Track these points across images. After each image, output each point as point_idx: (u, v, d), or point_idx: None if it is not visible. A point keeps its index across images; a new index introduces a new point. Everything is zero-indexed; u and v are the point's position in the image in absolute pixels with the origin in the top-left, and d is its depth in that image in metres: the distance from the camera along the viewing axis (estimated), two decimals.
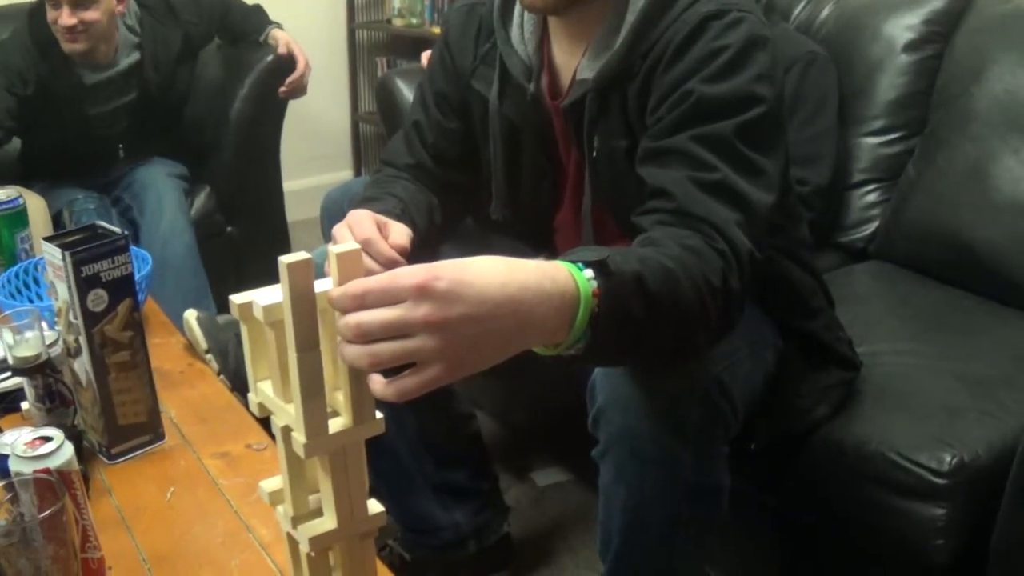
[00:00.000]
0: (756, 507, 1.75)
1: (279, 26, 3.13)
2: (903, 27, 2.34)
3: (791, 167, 2.20)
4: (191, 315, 1.82)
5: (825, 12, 2.52)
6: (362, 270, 0.90)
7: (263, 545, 1.25)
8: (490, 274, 0.94)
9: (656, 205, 1.28)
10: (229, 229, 3.12)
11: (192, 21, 2.99)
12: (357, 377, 0.96)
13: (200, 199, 3.04)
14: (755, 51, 1.31)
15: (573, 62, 1.50)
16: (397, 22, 4.10)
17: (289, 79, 3.05)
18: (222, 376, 1.76)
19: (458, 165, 1.68)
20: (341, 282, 0.89)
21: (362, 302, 0.88)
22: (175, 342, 1.83)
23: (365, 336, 0.89)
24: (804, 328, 1.58)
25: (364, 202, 1.54)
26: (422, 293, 0.89)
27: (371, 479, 1.81)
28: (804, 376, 1.60)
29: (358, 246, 0.91)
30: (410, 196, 1.60)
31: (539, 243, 1.67)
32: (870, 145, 2.36)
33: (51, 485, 1.04)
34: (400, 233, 1.42)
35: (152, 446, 1.47)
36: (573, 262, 1.03)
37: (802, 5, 2.58)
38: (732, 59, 1.30)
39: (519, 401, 2.50)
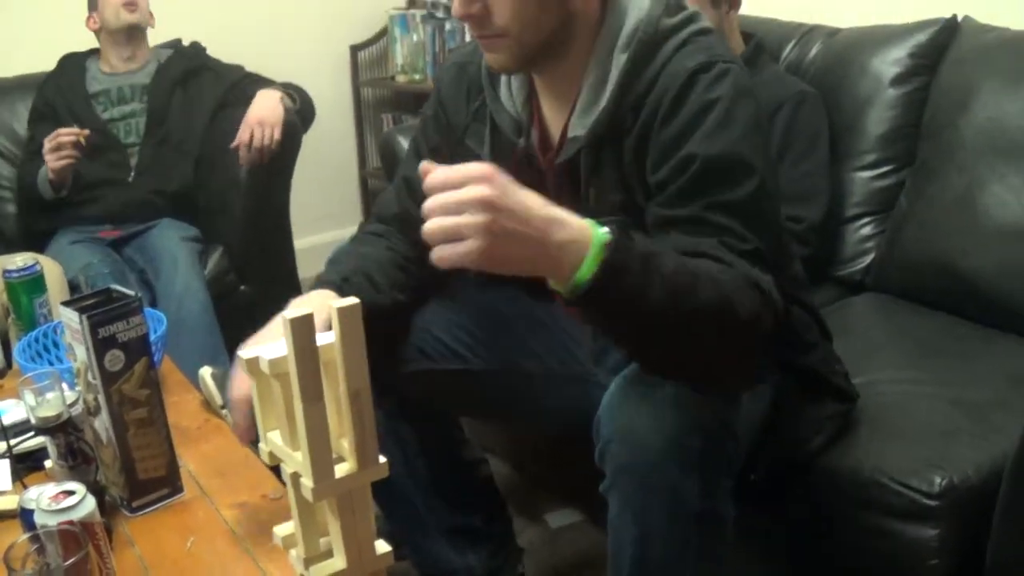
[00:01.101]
0: (759, 534, 1.79)
1: (277, 87, 3.19)
2: (890, 62, 2.40)
3: (786, 205, 2.27)
4: (206, 372, 1.87)
5: (814, 51, 2.58)
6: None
7: None
8: (534, 195, 1.19)
9: None
10: (243, 288, 3.18)
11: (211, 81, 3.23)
12: (360, 424, 1.02)
13: (213, 259, 3.10)
14: (744, 101, 1.39)
15: (562, 118, 1.55)
16: (400, 78, 4.18)
17: (236, 141, 3.05)
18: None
19: None
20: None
21: (444, 183, 1.15)
22: (192, 399, 1.88)
23: (439, 210, 1.14)
24: (801, 363, 1.63)
25: (329, 264, 1.59)
26: (484, 178, 1.15)
27: (386, 525, 1.87)
28: (802, 409, 1.64)
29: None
30: (375, 258, 1.65)
31: (536, 291, 1.71)
32: (863, 179, 2.41)
33: (75, 536, 1.10)
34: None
35: (171, 499, 1.52)
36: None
37: (791, 46, 2.65)
38: (725, 112, 1.37)
39: (530, 444, 2.54)
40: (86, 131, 2.89)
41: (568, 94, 1.52)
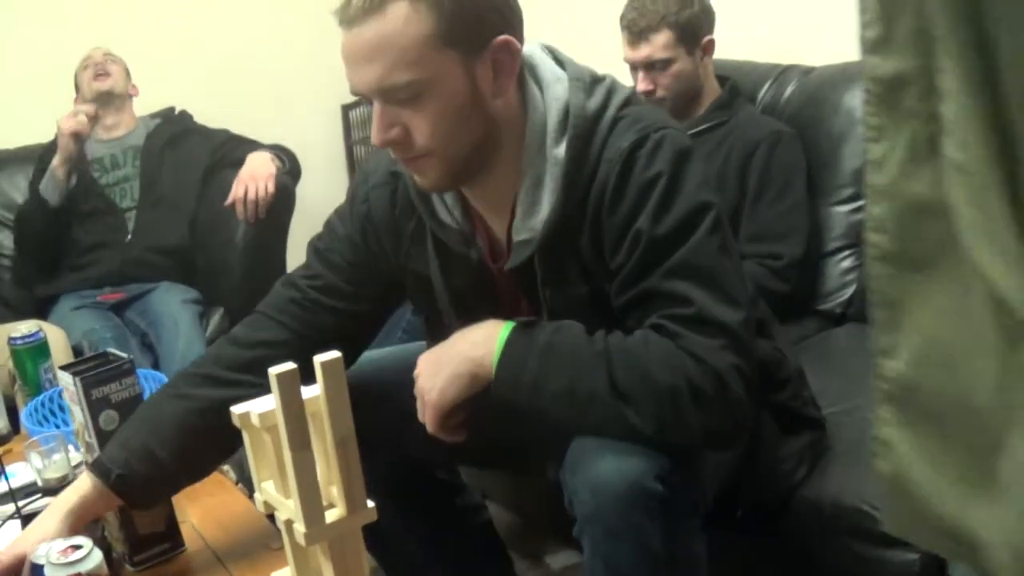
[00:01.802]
0: (745, 565, 1.83)
1: (265, 149, 3.30)
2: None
3: (765, 243, 2.32)
4: None
5: (788, 91, 2.65)
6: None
7: None
8: (436, 358, 1.46)
9: None
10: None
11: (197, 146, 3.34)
12: (348, 470, 1.08)
13: (214, 320, 3.17)
14: (686, 165, 1.39)
15: (503, 222, 1.52)
16: None
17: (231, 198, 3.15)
18: (240, 485, 1.86)
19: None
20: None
21: None
22: None
23: None
24: (774, 400, 1.65)
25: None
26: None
27: None
28: (779, 443, 1.68)
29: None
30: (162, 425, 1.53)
31: None
32: (841, 214, 2.46)
33: None
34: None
35: (172, 553, 1.58)
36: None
37: (767, 86, 2.71)
38: (669, 184, 1.38)
39: (528, 488, 2.58)
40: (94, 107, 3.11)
41: (505, 199, 1.50)
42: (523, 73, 1.46)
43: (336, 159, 4.40)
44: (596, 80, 1.49)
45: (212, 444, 1.53)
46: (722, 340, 1.34)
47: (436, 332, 1.59)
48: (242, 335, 1.62)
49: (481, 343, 1.42)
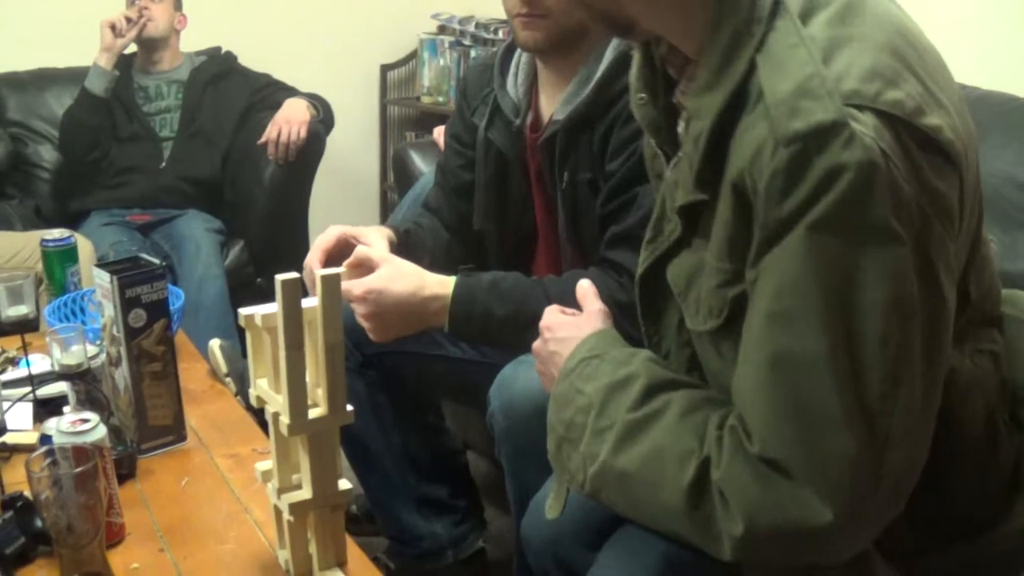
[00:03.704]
0: None
1: (302, 96, 3.49)
2: None
3: None
4: (215, 343, 2.09)
5: None
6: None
7: (257, 523, 1.51)
8: (403, 288, 1.70)
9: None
10: (259, 280, 3.41)
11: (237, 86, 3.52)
12: (333, 375, 1.24)
13: (234, 252, 3.35)
14: None
15: (553, 104, 1.82)
16: (425, 100, 4.41)
17: (264, 137, 3.37)
18: (238, 396, 2.02)
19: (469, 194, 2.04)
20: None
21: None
22: (200, 368, 2.10)
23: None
24: None
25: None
26: (361, 299, 1.69)
27: (366, 503, 2.08)
28: None
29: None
30: (428, 221, 2.06)
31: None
32: None
33: (86, 451, 1.31)
34: (372, 238, 1.84)
35: (175, 446, 1.74)
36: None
37: None
38: None
39: None
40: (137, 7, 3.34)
41: (562, 85, 1.80)
42: None
43: (370, 117, 4.56)
44: None
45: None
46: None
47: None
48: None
49: (437, 297, 1.73)
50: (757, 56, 1.03)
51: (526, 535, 1.52)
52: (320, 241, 1.83)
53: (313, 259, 1.78)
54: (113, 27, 3.27)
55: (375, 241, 1.82)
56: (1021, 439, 1.20)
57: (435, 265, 1.81)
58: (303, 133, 3.31)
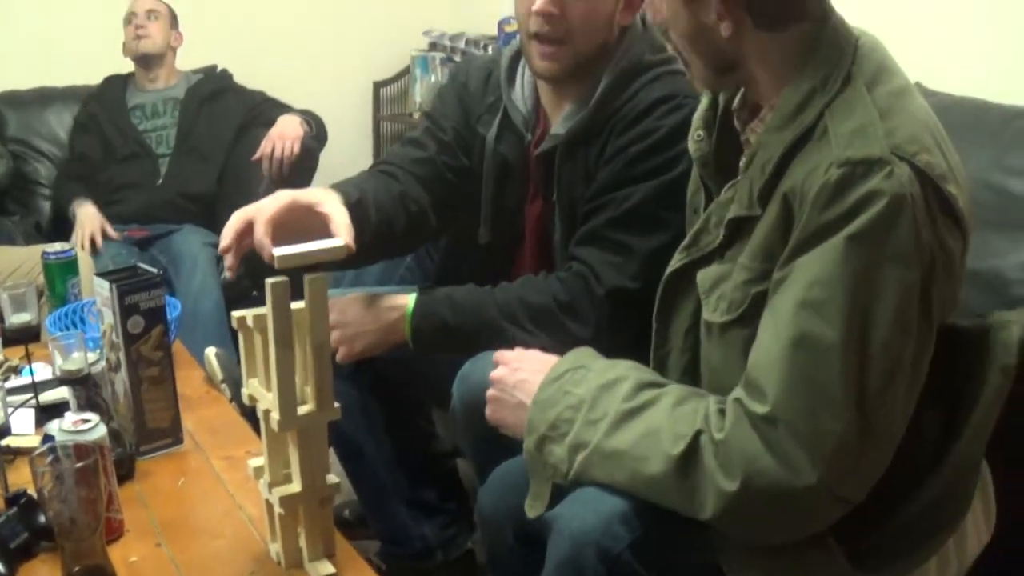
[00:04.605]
0: None
1: (296, 112, 3.56)
2: None
3: None
4: (211, 351, 2.16)
5: None
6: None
7: (250, 519, 1.58)
8: (360, 312, 1.84)
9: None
10: (255, 294, 3.47)
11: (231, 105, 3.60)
12: (321, 372, 1.31)
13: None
14: (684, 133, 1.61)
15: (553, 119, 1.91)
16: (417, 116, 4.46)
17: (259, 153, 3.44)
18: (233, 402, 2.08)
19: (456, 175, 2.01)
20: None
21: None
22: (197, 375, 2.17)
23: None
24: None
25: (343, 183, 1.88)
26: (333, 325, 1.79)
27: (358, 507, 2.14)
28: None
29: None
30: (375, 187, 1.89)
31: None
32: None
33: (87, 448, 1.38)
34: (330, 208, 1.65)
35: (172, 448, 1.80)
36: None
37: None
38: (664, 139, 1.75)
39: None
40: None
41: (562, 103, 1.88)
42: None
43: (363, 132, 4.64)
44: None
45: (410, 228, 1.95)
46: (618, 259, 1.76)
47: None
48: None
49: (396, 308, 1.84)
50: (827, 109, 1.27)
51: (482, 503, 1.64)
52: (266, 208, 1.61)
53: (262, 233, 1.58)
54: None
55: (336, 214, 1.62)
56: (942, 416, 1.37)
57: (375, 239, 1.80)
58: (296, 148, 3.39)
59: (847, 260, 1.19)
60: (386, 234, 1.86)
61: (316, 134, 3.52)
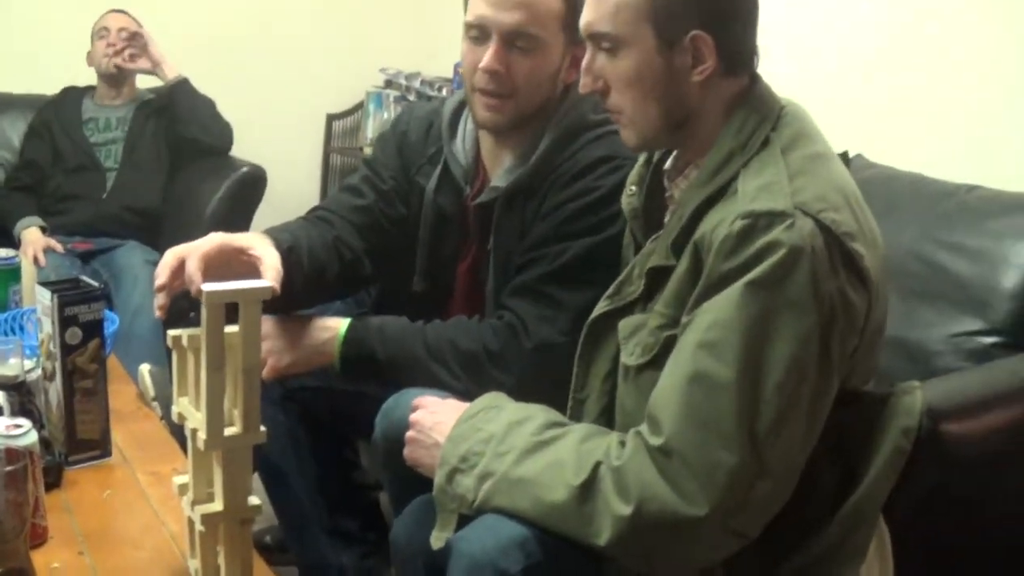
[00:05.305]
0: None
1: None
2: None
3: None
4: (145, 368, 2.20)
5: None
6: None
7: (172, 535, 1.62)
8: (292, 329, 1.88)
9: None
10: (192, 315, 3.49)
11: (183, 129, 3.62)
12: (249, 395, 1.36)
13: None
14: (621, 193, 1.70)
15: (492, 171, 1.96)
16: (368, 151, 4.51)
17: None
18: (163, 420, 2.12)
19: (393, 223, 2.05)
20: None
21: None
22: (129, 391, 2.21)
23: None
24: None
25: (278, 229, 1.90)
26: (264, 338, 1.77)
27: (279, 533, 2.16)
28: None
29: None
30: (309, 234, 1.93)
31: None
32: None
33: (18, 452, 1.42)
34: (262, 251, 1.69)
35: (100, 460, 1.84)
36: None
37: None
38: (601, 200, 1.80)
39: None
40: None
41: (502, 156, 1.94)
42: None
43: (313, 163, 4.71)
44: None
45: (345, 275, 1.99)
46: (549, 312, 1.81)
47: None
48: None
49: (328, 329, 1.88)
50: (742, 169, 1.38)
51: (396, 534, 1.69)
52: (199, 247, 1.66)
53: (194, 268, 1.61)
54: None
55: (267, 257, 1.68)
56: (840, 471, 1.43)
57: (307, 285, 1.85)
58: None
59: (744, 305, 1.27)
60: (318, 280, 1.91)
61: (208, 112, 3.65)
